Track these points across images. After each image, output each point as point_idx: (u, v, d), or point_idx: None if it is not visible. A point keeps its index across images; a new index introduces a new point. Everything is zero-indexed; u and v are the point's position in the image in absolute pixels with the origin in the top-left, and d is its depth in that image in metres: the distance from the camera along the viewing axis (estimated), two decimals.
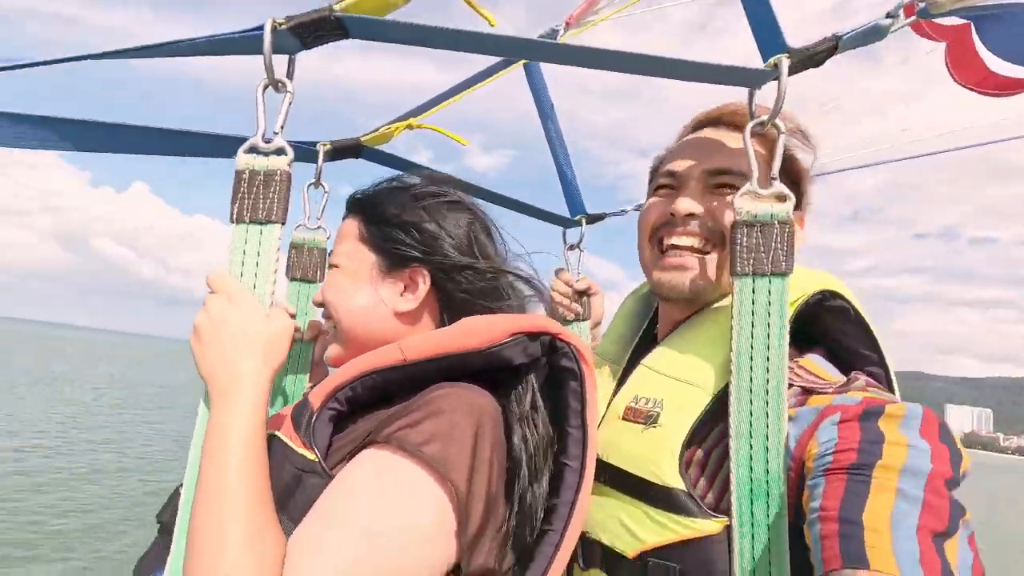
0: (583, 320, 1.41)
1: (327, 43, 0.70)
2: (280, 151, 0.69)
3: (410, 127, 1.22)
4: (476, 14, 0.80)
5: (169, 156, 0.86)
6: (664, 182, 0.97)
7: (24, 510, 6.72)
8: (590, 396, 0.74)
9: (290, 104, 0.68)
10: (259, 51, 0.64)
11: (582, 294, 1.42)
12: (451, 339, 0.71)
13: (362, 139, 1.13)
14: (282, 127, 0.68)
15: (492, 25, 0.81)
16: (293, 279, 1.11)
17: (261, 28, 0.64)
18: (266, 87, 0.67)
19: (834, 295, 0.84)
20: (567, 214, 1.52)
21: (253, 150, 0.69)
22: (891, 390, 0.84)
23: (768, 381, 0.72)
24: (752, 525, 0.70)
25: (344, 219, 0.87)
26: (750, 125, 0.79)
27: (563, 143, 1.53)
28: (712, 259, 0.88)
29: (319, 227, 1.13)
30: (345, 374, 0.70)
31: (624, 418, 0.85)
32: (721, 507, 0.74)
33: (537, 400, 0.73)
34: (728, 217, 0.84)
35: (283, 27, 0.64)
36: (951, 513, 0.57)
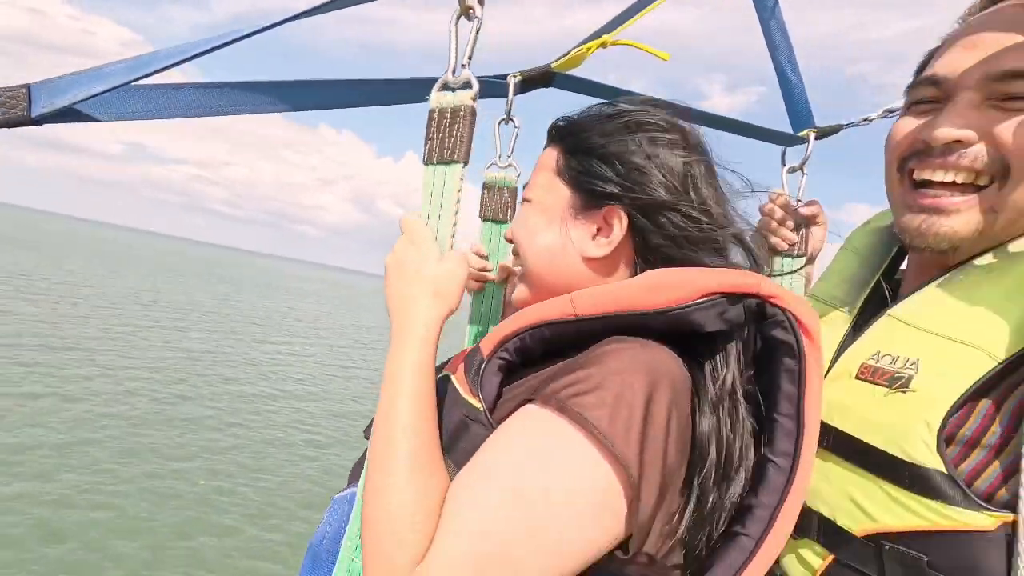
0: (798, 256, 1.18)
1: None
2: (466, 84, 0.65)
3: (603, 45, 1.09)
4: None
5: (374, 106, 0.88)
6: (923, 95, 0.73)
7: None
8: (811, 380, 0.59)
9: (478, 31, 0.62)
10: None
11: (801, 223, 1.17)
12: (630, 294, 0.60)
13: (553, 65, 1.04)
14: (469, 58, 0.63)
15: None
16: (485, 219, 1.11)
17: None
18: (459, 17, 0.62)
19: None
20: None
21: (445, 87, 0.66)
22: None
23: None
24: None
25: (544, 148, 0.78)
26: None
27: (788, 41, 1.26)
28: (987, 197, 0.68)
29: (509, 165, 1.10)
30: (514, 324, 0.65)
31: (859, 377, 0.72)
32: (998, 499, 0.59)
33: (736, 378, 0.61)
34: (1021, 140, 0.63)
35: None
36: None
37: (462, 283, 0.68)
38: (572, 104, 0.79)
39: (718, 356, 0.61)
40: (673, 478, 0.57)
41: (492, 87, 1.03)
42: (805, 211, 1.17)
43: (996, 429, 0.61)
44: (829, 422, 0.71)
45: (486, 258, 1.10)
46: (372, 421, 0.84)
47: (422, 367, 0.63)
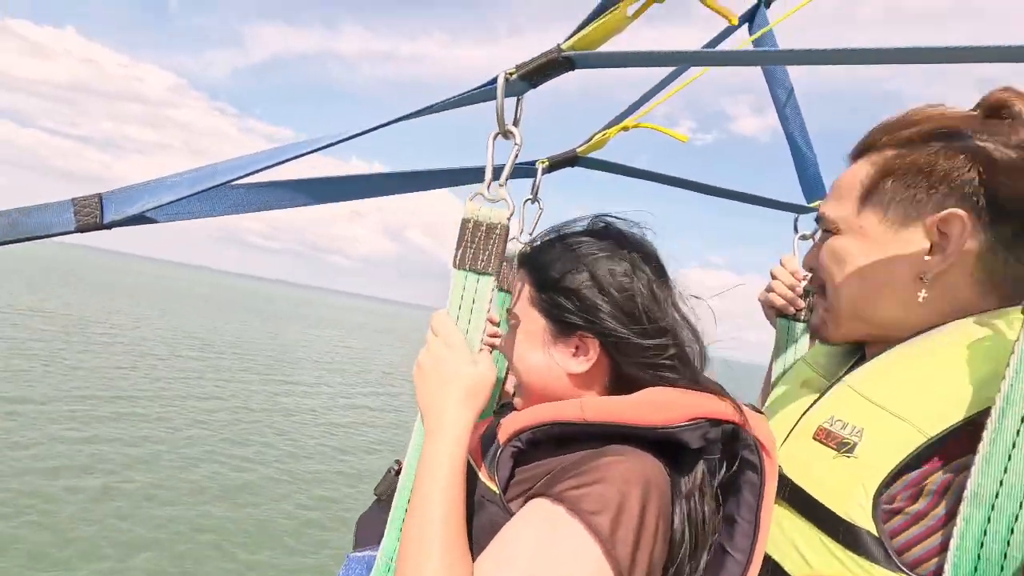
0: (804, 321, 1.21)
1: (554, 78, 0.68)
2: (503, 203, 0.69)
3: (625, 129, 1.15)
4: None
5: (412, 193, 0.94)
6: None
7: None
8: (768, 494, 0.73)
9: (517, 155, 0.67)
10: (494, 98, 0.65)
11: (809, 290, 1.19)
12: (632, 410, 0.71)
13: (578, 150, 1.10)
14: (507, 179, 0.68)
15: (732, 24, 0.70)
16: (500, 289, 1.15)
17: (495, 82, 0.64)
18: (496, 136, 0.67)
19: None
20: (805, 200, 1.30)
21: (479, 197, 0.70)
22: None
23: None
24: None
25: (517, 271, 0.86)
26: None
27: (799, 117, 1.31)
28: (821, 305, 0.89)
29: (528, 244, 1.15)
30: (530, 419, 0.74)
31: (815, 438, 0.79)
32: (926, 569, 0.64)
33: (705, 484, 0.72)
34: (828, 268, 0.85)
35: (514, 76, 0.64)
36: None
37: (492, 385, 0.73)
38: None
39: (694, 464, 0.72)
40: (657, 567, 0.66)
41: (519, 170, 1.09)
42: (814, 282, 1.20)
43: (921, 503, 0.66)
44: (788, 475, 0.78)
45: (497, 324, 1.16)
46: (384, 480, 0.91)
47: (456, 465, 0.69)
